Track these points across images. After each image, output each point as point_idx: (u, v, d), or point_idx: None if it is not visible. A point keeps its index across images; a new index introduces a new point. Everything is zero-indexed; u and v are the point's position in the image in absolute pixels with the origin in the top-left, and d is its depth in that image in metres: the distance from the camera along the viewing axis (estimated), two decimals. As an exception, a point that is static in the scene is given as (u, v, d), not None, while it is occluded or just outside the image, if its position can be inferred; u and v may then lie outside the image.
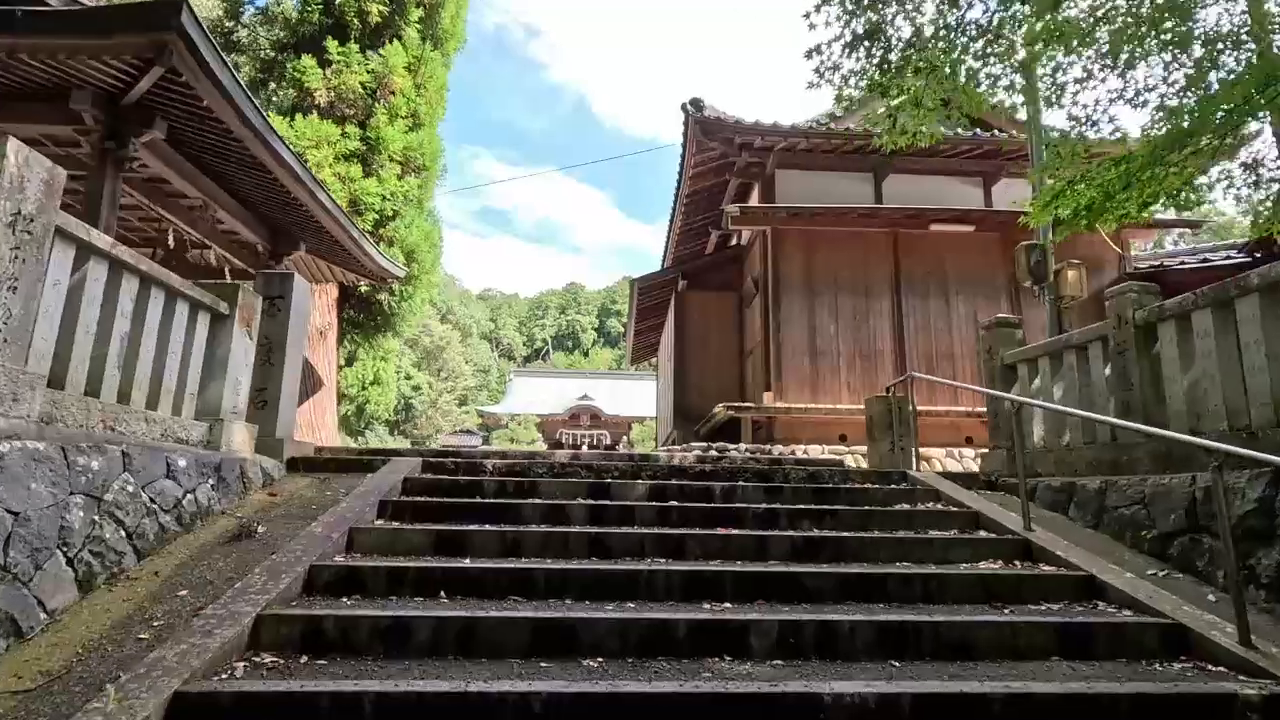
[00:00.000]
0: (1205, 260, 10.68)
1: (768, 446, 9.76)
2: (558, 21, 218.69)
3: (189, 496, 4.16)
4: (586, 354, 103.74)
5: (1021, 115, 10.42)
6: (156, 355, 4.32)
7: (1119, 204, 5.22)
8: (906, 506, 5.21)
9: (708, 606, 3.39)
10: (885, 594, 3.59)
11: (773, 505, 5.01)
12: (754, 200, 12.36)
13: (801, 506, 4.97)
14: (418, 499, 4.86)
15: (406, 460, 5.76)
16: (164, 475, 3.98)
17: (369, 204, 10.23)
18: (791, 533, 4.41)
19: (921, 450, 10.16)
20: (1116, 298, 4.95)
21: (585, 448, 46.18)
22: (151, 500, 3.81)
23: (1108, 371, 5.07)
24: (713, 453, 9.35)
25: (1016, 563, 4.18)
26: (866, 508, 5.07)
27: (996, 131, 11.46)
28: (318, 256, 9.20)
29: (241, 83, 5.57)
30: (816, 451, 9.78)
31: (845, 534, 4.41)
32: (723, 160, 11.90)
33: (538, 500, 4.88)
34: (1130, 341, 4.79)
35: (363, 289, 10.79)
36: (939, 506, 5.21)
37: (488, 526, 4.29)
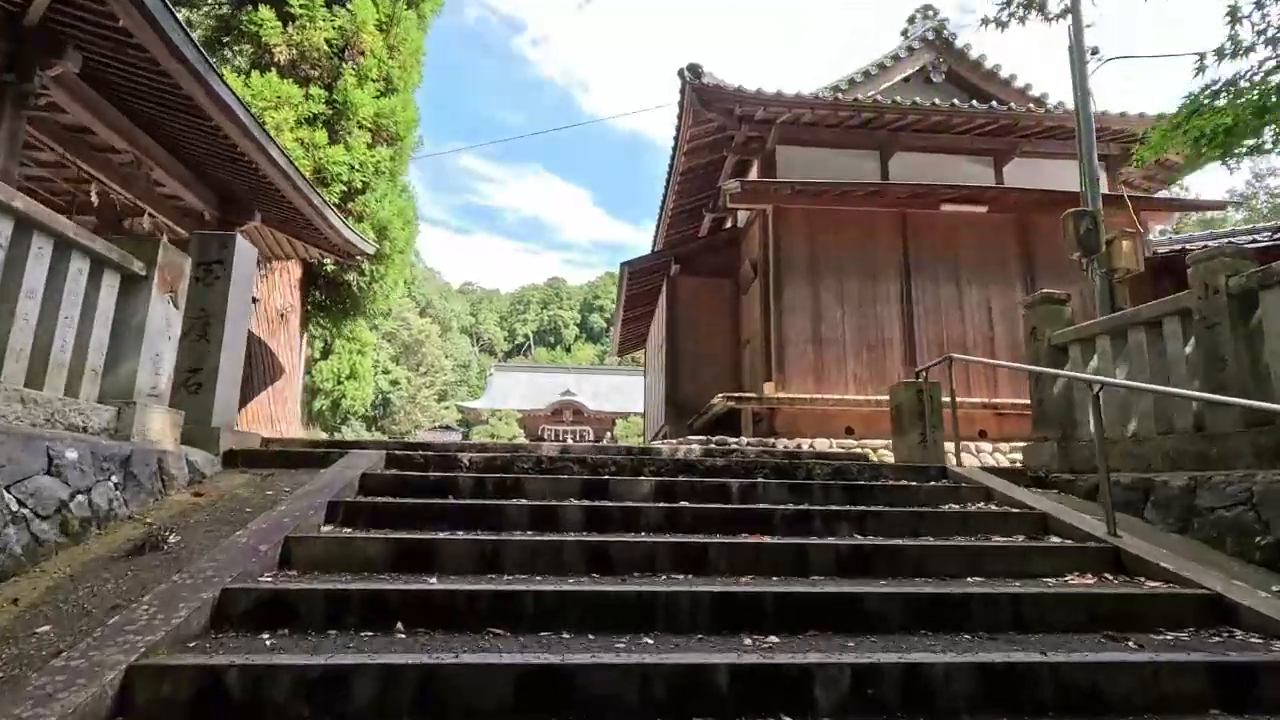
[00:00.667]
0: (1230, 244, 10.10)
1: (771, 440, 9.01)
2: (540, 14, 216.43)
3: (80, 499, 3.28)
4: (569, 350, 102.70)
5: (1023, 86, 9.62)
6: (41, 320, 3.43)
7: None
8: (956, 507, 4.47)
9: (749, 642, 2.59)
10: (968, 620, 2.83)
11: (801, 505, 4.24)
12: (753, 179, 11.58)
13: (836, 507, 4.20)
14: (377, 500, 4.02)
15: (368, 454, 4.90)
16: (42, 471, 3.11)
17: (335, 173, 9.29)
18: (834, 540, 3.64)
19: None
20: (1202, 264, 4.23)
21: (571, 442, 45.35)
22: (20, 504, 2.93)
23: (1189, 350, 4.36)
24: (713, 446, 8.58)
25: (1109, 576, 3.44)
26: (912, 509, 4.31)
27: (1012, 105, 10.80)
28: (276, 228, 8.26)
29: (169, 3, 4.66)
30: (824, 446, 9.05)
31: (898, 541, 3.64)
32: (720, 134, 11.11)
33: (523, 501, 4.06)
34: (1222, 314, 4.07)
35: (329, 268, 9.85)
36: (994, 507, 4.47)
37: (461, 534, 3.46)
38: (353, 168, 9.61)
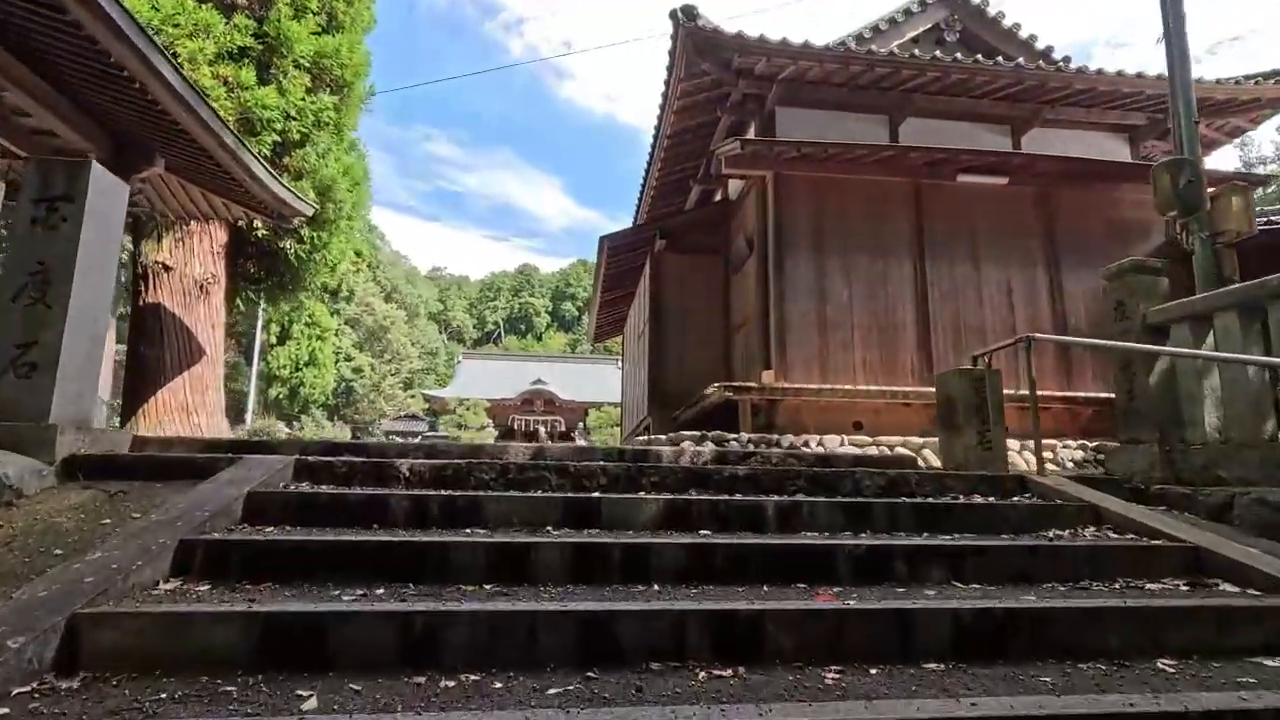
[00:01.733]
0: (1270, 222, 9.26)
1: (775, 437, 7.88)
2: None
3: None
4: (540, 338, 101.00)
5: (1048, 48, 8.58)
6: None
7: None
8: (1065, 535, 3.36)
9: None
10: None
11: (868, 538, 3.10)
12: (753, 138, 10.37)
13: (915, 541, 3.06)
14: (260, 535, 2.75)
15: (271, 461, 3.61)
16: None
17: (266, 119, 7.84)
18: (940, 599, 2.48)
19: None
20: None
21: (543, 432, 43.95)
22: None
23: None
24: (727, 449, 7.43)
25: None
26: (1012, 539, 3.19)
27: (1042, 64, 9.78)
28: (187, 179, 6.82)
29: None
30: (834, 444, 7.96)
31: (1032, 600, 2.50)
32: (714, 91, 9.90)
33: (480, 536, 2.83)
34: None
35: (260, 232, 8.41)
36: (1114, 536, 3.38)
37: (379, 603, 2.22)
38: (288, 115, 8.16)
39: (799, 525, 3.27)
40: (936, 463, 7.74)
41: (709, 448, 4.76)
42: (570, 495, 3.35)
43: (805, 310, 8.98)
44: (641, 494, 3.54)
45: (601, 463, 4.00)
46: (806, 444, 7.76)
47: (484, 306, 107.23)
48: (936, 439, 8.27)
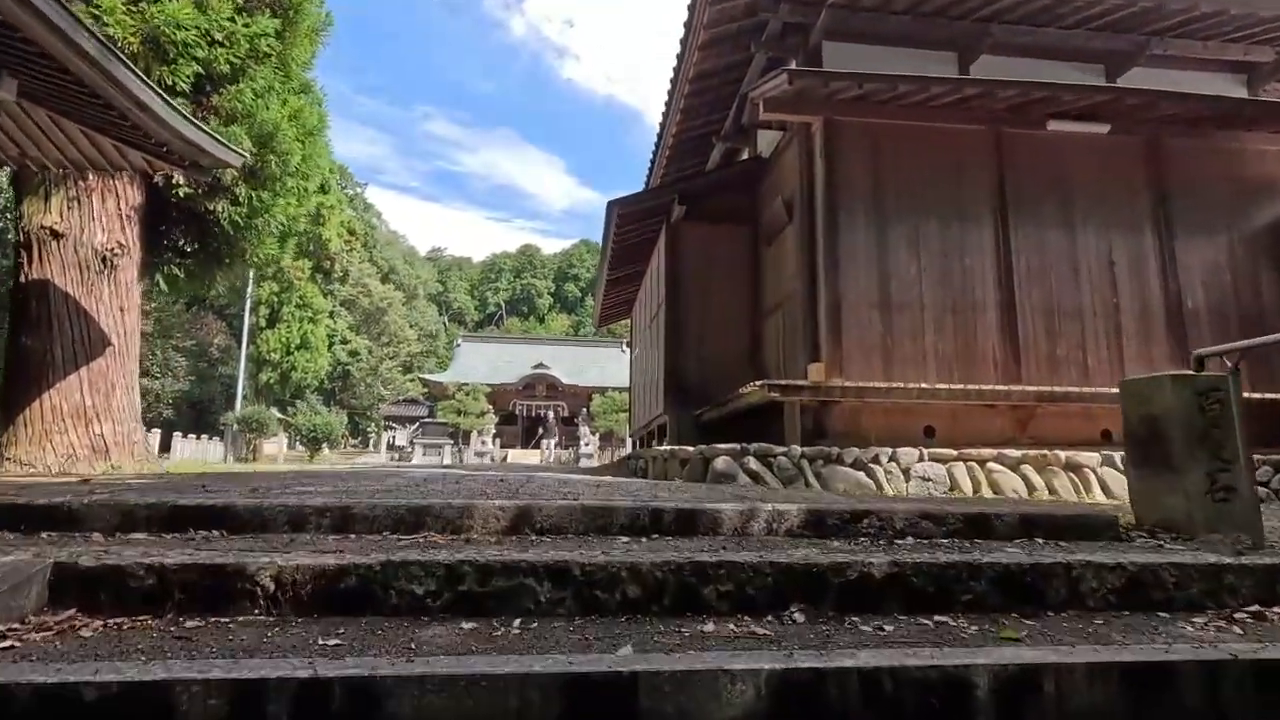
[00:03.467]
0: None
1: (832, 449, 6.20)
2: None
3: None
4: (543, 320, 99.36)
5: None
6: None
7: None
8: None
9: None
10: None
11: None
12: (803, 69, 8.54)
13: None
14: None
15: (6, 567, 1.93)
16: None
17: (182, 43, 6.08)
18: None
19: (1040, 452, 6.83)
20: None
21: (551, 418, 42.40)
22: None
23: None
24: (753, 462, 5.76)
25: None
26: None
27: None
28: (56, 110, 5.10)
29: None
30: (910, 458, 6.24)
31: None
32: (749, 20, 8.09)
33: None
34: None
35: (183, 191, 6.69)
36: None
37: None
38: (212, 41, 6.40)
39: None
40: (1069, 495, 6.07)
41: (790, 507, 3.03)
42: (575, 665, 1.66)
43: (864, 288, 7.26)
44: (708, 625, 1.86)
45: (627, 548, 2.31)
46: (877, 459, 6.08)
47: (486, 288, 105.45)
48: (1029, 451, 6.61)
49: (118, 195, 6.45)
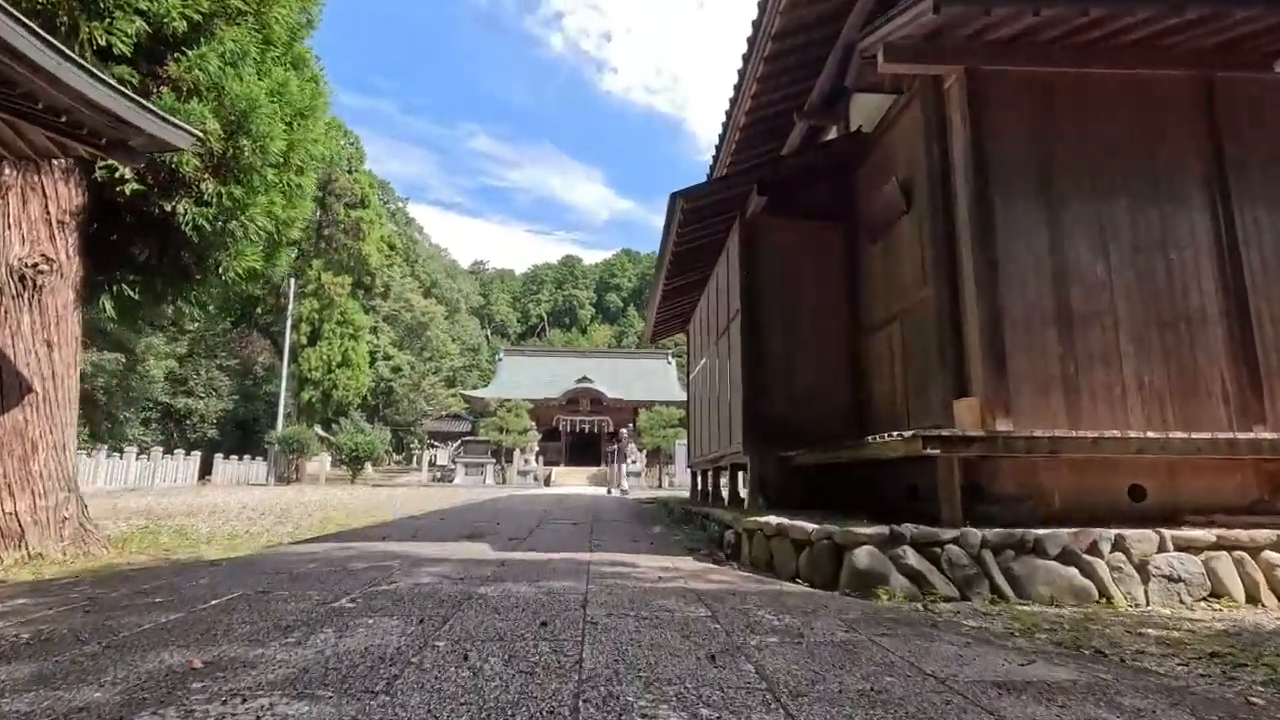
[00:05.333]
0: None
1: (1023, 534, 4.24)
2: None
3: None
4: (584, 330, 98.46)
5: None
6: None
7: None
8: None
9: None
10: None
11: None
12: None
13: None
14: None
15: None
16: None
17: (115, -9, 4.56)
18: None
19: (1225, 533, 4.74)
20: None
21: (622, 438, 40.62)
22: None
23: None
24: (912, 558, 3.86)
25: None
26: None
27: None
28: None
29: None
30: (1145, 547, 4.24)
31: None
32: (855, -51, 6.25)
33: None
34: None
35: (131, 188, 5.16)
36: None
37: None
38: (163, -11, 4.86)
39: None
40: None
41: None
42: None
43: (1033, 297, 5.29)
44: None
45: None
46: (1095, 548, 4.08)
47: (527, 300, 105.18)
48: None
49: (45, 195, 4.95)
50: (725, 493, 11.42)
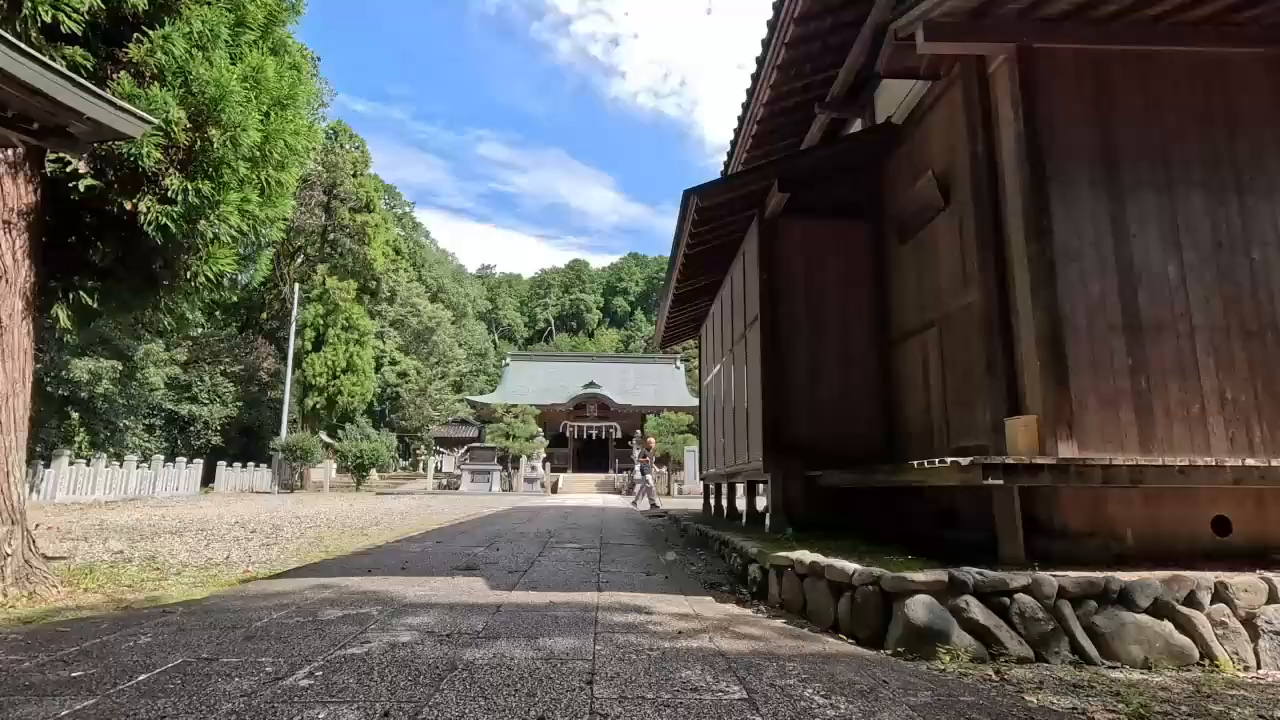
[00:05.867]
0: None
1: (1112, 581, 3.63)
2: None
3: None
4: (591, 334, 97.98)
5: None
6: None
7: None
8: None
9: None
10: None
11: None
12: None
13: None
14: None
15: None
16: None
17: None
18: None
19: None
20: None
21: (634, 452, 40.01)
22: None
23: None
24: (978, 610, 3.26)
25: None
26: None
27: None
28: None
29: None
30: (1252, 599, 3.63)
31: None
32: (889, -82, 5.67)
33: None
34: None
35: (83, 184, 4.63)
36: None
37: None
38: (117, -39, 4.34)
39: None
40: None
41: None
42: None
43: (1097, 300, 4.68)
44: None
45: None
46: (1193, 599, 3.47)
47: (535, 304, 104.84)
48: None
49: (-20, 190, 4.42)
50: (742, 505, 10.80)
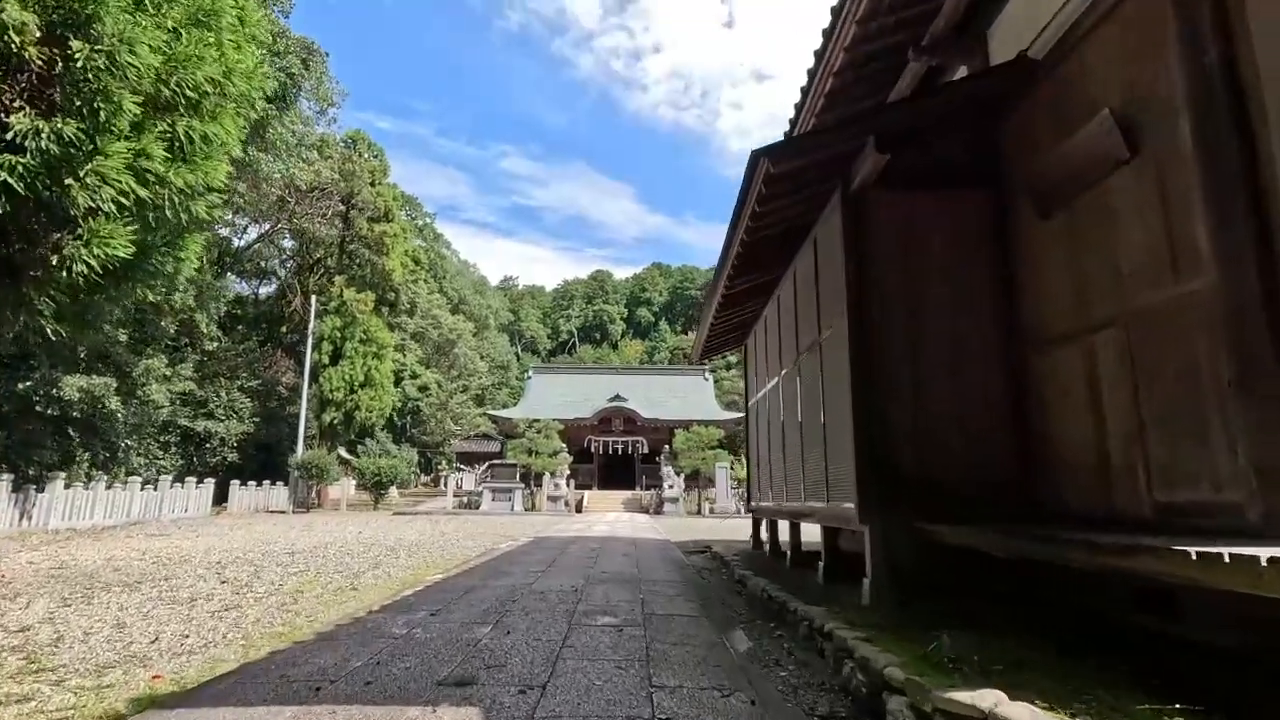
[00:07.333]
0: None
1: None
2: (584, 11, 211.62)
3: None
4: (615, 346, 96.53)
5: None
6: None
7: None
8: None
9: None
10: None
11: None
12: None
13: None
14: None
15: None
16: None
17: None
18: None
19: None
20: None
21: (661, 470, 38.28)
22: None
23: None
24: None
25: None
26: None
27: None
28: None
29: None
30: None
31: None
32: None
33: None
34: None
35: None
36: None
37: None
38: None
39: None
40: None
41: None
42: None
43: None
44: None
45: None
46: None
47: (557, 315, 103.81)
48: None
49: None
50: (806, 541, 8.99)
